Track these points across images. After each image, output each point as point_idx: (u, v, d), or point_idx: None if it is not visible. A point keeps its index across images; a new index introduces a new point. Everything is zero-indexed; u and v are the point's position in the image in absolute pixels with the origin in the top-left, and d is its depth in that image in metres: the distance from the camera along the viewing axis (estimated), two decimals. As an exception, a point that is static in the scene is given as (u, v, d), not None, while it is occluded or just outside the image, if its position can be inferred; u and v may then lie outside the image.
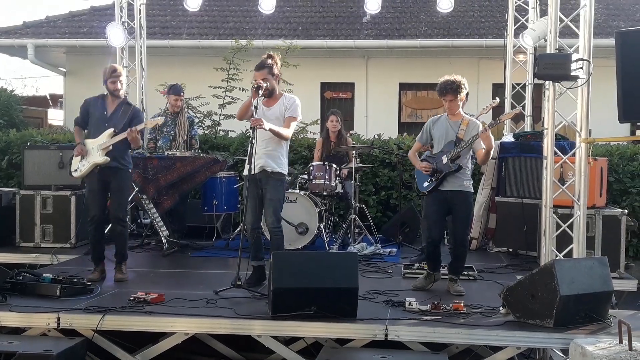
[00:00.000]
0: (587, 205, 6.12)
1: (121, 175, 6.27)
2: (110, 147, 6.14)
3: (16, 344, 4.59)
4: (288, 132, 5.95)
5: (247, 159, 5.86)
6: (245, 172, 5.93)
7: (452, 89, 5.70)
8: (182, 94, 8.24)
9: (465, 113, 5.91)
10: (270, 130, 5.75)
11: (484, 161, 5.98)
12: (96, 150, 6.17)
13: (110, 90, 6.27)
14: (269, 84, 5.81)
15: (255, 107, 5.69)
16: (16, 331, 5.19)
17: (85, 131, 6.40)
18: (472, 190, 5.98)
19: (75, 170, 6.30)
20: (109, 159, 6.13)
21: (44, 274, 5.71)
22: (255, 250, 6.02)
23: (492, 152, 5.85)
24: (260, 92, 5.70)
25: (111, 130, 6.17)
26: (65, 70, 14.35)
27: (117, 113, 6.26)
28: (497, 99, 6.67)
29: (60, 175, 7.93)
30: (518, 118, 9.56)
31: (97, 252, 6.31)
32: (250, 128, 5.69)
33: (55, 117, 16.32)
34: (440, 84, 5.79)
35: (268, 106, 5.94)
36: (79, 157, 6.27)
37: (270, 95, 5.92)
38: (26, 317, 5.03)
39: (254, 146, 5.68)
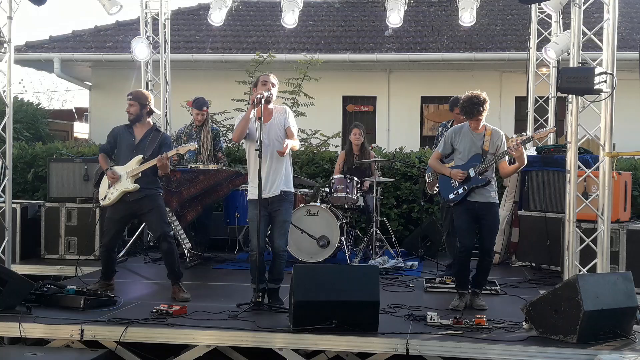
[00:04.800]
0: (611, 219, 6.04)
1: (153, 197, 6.12)
2: (139, 175, 6.02)
3: (40, 355, 4.65)
4: (298, 142, 5.85)
5: (255, 181, 5.52)
6: (253, 196, 5.60)
7: (476, 110, 5.68)
8: (204, 108, 8.21)
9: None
10: (292, 148, 5.67)
11: (507, 174, 5.97)
12: (125, 177, 6.03)
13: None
14: (270, 93, 5.65)
15: (261, 119, 5.45)
16: (40, 342, 5.25)
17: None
18: (498, 201, 6.00)
19: (104, 198, 6.15)
20: (138, 186, 5.99)
21: (68, 286, 5.79)
22: (261, 273, 5.62)
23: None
24: (263, 100, 5.49)
25: (140, 157, 6.05)
26: (90, 84, 14.53)
27: (145, 140, 6.13)
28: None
29: (85, 187, 8.01)
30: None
31: (106, 269, 6.30)
32: (256, 150, 5.46)
33: (81, 130, 16.53)
34: (462, 107, 5.78)
35: (265, 121, 5.62)
36: (106, 185, 6.13)
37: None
38: (50, 328, 5.09)
39: (269, 169, 5.60)
